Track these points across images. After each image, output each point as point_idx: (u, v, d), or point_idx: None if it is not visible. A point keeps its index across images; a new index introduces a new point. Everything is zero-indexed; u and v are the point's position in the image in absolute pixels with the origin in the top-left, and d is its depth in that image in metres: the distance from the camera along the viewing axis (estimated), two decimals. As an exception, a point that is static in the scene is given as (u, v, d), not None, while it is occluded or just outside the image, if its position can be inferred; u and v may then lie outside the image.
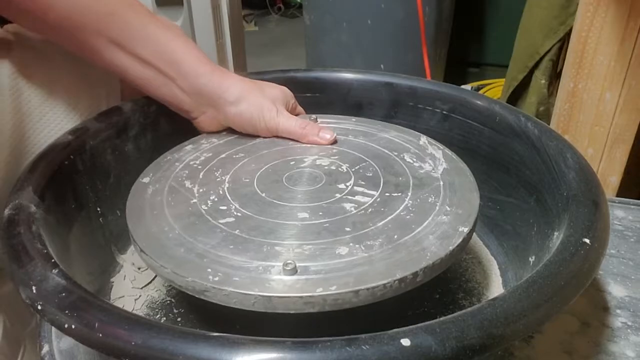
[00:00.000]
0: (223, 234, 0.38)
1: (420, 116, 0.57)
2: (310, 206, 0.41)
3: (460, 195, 0.42)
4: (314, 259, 0.35)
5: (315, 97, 0.60)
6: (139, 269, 0.48)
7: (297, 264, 0.34)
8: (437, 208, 0.40)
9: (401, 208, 0.40)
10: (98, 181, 0.48)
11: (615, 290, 0.48)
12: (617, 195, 0.87)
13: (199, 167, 0.47)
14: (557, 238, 0.37)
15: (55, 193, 0.42)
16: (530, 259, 0.43)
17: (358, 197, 0.42)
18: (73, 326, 0.28)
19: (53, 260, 0.33)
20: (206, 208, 0.42)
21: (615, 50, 0.81)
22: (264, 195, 0.43)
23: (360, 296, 0.33)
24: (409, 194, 0.42)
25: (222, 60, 1.24)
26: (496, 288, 0.46)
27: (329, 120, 0.55)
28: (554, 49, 1.34)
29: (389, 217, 0.39)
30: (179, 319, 0.43)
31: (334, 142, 0.50)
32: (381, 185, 0.43)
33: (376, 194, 0.42)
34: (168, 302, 0.45)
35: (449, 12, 1.69)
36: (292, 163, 0.47)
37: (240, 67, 1.34)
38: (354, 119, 0.55)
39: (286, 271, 0.34)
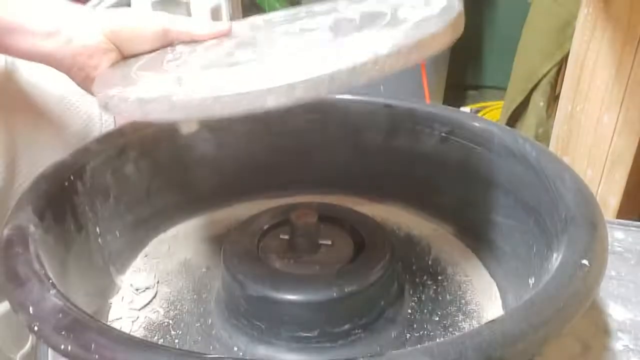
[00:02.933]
0: None
1: (418, 138, 0.57)
2: (251, 48, 0.40)
3: (418, 28, 0.34)
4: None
5: (312, 118, 0.60)
6: (137, 290, 0.48)
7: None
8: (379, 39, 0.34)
9: (341, 40, 0.36)
10: (97, 202, 0.48)
11: (616, 313, 0.48)
12: (617, 217, 0.87)
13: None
14: (556, 260, 0.37)
15: (54, 213, 0.42)
16: (529, 280, 0.42)
17: (309, 37, 0.38)
18: (69, 348, 0.28)
19: (51, 281, 0.33)
20: None
21: (613, 73, 0.82)
22: (227, 47, 0.42)
23: None
24: (366, 31, 0.36)
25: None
26: (496, 310, 0.46)
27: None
28: (552, 72, 1.35)
29: (318, 48, 0.35)
30: (176, 341, 0.43)
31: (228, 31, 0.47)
32: (346, 29, 0.38)
33: (332, 34, 0.38)
34: (166, 324, 0.44)
35: (448, 35, 1.71)
36: (284, 28, 0.45)
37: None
38: None
39: (171, 81, 0.35)
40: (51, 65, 0.44)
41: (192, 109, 0.31)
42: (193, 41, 0.45)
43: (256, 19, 0.51)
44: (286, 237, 0.46)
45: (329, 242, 0.45)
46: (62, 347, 0.28)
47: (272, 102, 0.30)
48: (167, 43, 0.45)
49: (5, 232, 0.37)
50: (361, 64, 0.30)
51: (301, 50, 0.36)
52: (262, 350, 0.40)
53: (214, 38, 0.45)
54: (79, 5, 0.45)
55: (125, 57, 0.44)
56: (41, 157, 0.51)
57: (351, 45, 0.34)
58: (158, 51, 0.45)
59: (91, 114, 0.54)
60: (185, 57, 0.42)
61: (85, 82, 0.44)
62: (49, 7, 0.43)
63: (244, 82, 0.31)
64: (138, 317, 0.45)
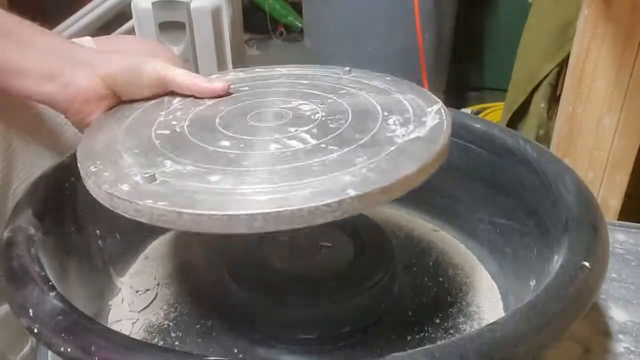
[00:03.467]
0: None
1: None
2: (236, 137, 0.39)
3: (394, 162, 0.35)
4: (172, 176, 0.35)
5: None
6: (137, 292, 0.48)
7: (157, 174, 0.35)
8: (353, 167, 0.34)
9: (317, 160, 0.36)
10: (97, 204, 0.48)
11: (618, 315, 0.48)
12: (618, 219, 0.87)
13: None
14: (557, 262, 0.37)
15: (54, 216, 0.42)
16: (530, 282, 0.42)
17: (292, 141, 0.38)
18: (69, 350, 0.28)
19: (51, 283, 0.33)
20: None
21: (613, 74, 0.82)
22: (217, 121, 0.42)
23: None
24: (346, 149, 0.37)
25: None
26: (497, 312, 0.46)
27: (362, 74, 0.52)
28: (552, 73, 1.35)
29: (294, 164, 0.35)
30: (176, 343, 0.43)
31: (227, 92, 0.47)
32: (330, 137, 0.39)
33: (314, 142, 0.38)
34: (165, 326, 0.44)
35: (449, 37, 1.71)
36: (278, 102, 0.45)
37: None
38: (388, 78, 0.52)
39: (144, 178, 0.34)
40: (49, 106, 0.44)
41: (154, 218, 0.32)
42: (190, 95, 0.46)
43: (257, 76, 0.52)
44: (286, 239, 0.46)
45: (330, 244, 0.45)
46: (62, 349, 0.28)
47: (233, 230, 0.31)
48: (165, 91, 0.46)
49: (6, 234, 0.37)
50: (324, 205, 0.31)
51: (277, 162, 0.36)
52: (262, 352, 0.40)
53: (210, 98, 0.46)
54: (78, 47, 0.45)
55: (122, 101, 0.45)
56: (38, 160, 0.51)
57: (323, 176, 0.34)
58: (153, 102, 0.45)
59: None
60: (176, 121, 0.42)
61: (80, 125, 0.44)
62: (48, 50, 0.43)
63: (207, 202, 0.32)
64: (138, 319, 0.45)
